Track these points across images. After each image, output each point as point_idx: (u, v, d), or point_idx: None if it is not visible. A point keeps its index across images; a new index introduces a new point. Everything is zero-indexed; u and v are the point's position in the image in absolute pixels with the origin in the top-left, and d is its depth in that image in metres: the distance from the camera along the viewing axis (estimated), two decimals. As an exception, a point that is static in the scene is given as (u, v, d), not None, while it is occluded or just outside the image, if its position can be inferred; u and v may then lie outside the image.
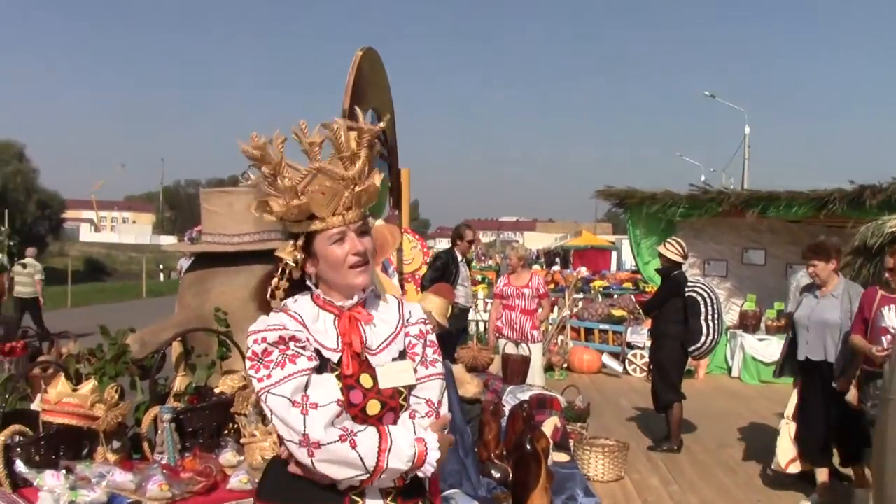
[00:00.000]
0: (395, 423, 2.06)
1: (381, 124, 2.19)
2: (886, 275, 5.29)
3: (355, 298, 2.11)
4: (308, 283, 2.12)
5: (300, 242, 2.08)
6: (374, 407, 2.04)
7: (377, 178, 2.12)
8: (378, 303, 2.19)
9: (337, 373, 2.03)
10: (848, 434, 5.66)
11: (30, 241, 40.30)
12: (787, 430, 6.12)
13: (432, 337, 2.22)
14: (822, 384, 5.70)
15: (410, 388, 2.11)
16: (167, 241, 48.25)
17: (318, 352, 2.03)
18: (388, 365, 2.10)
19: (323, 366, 2.03)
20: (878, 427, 4.50)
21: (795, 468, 6.08)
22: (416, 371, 2.13)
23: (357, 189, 2.05)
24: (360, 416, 2.02)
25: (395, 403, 2.07)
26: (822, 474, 5.88)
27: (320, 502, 2.00)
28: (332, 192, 2.02)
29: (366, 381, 2.06)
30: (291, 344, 2.00)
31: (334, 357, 2.04)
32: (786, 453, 6.11)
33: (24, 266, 15.18)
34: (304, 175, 2.00)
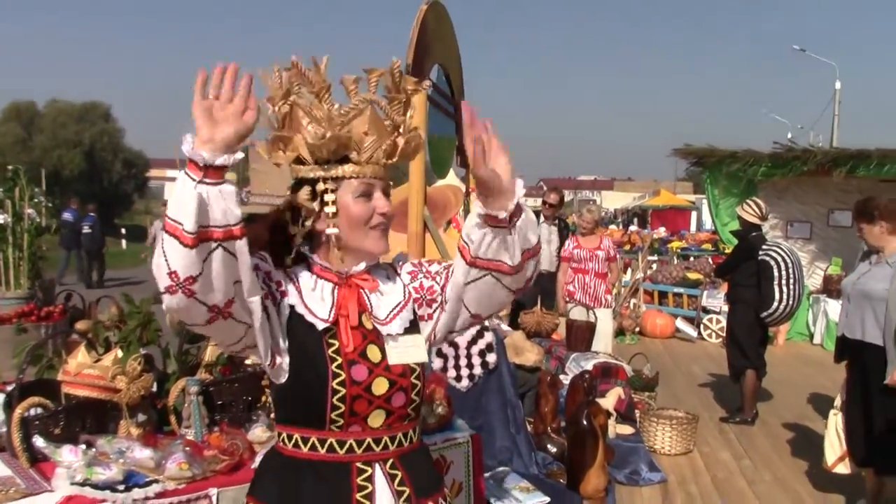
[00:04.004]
0: (405, 405, 1.82)
1: (427, 82, 1.96)
2: None
3: (362, 265, 1.85)
4: (305, 248, 1.85)
5: (328, 186, 1.77)
6: (380, 385, 1.78)
7: (423, 132, 1.91)
8: (380, 271, 1.93)
9: (334, 348, 1.76)
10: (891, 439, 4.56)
11: (117, 200, 41.92)
12: (835, 422, 5.13)
13: (425, 260, 2.00)
14: (861, 370, 4.78)
15: (423, 365, 1.87)
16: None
17: (301, 318, 1.77)
18: (398, 339, 1.84)
19: (311, 339, 1.77)
20: None
21: (844, 468, 5.09)
22: (435, 278, 1.91)
23: (399, 139, 1.81)
24: (366, 397, 1.76)
25: (405, 382, 1.81)
26: (871, 477, 4.95)
27: None
28: (377, 133, 1.77)
29: (373, 353, 1.80)
30: (260, 272, 1.72)
31: (319, 325, 1.76)
32: (832, 449, 5.13)
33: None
34: (355, 104, 1.74)
